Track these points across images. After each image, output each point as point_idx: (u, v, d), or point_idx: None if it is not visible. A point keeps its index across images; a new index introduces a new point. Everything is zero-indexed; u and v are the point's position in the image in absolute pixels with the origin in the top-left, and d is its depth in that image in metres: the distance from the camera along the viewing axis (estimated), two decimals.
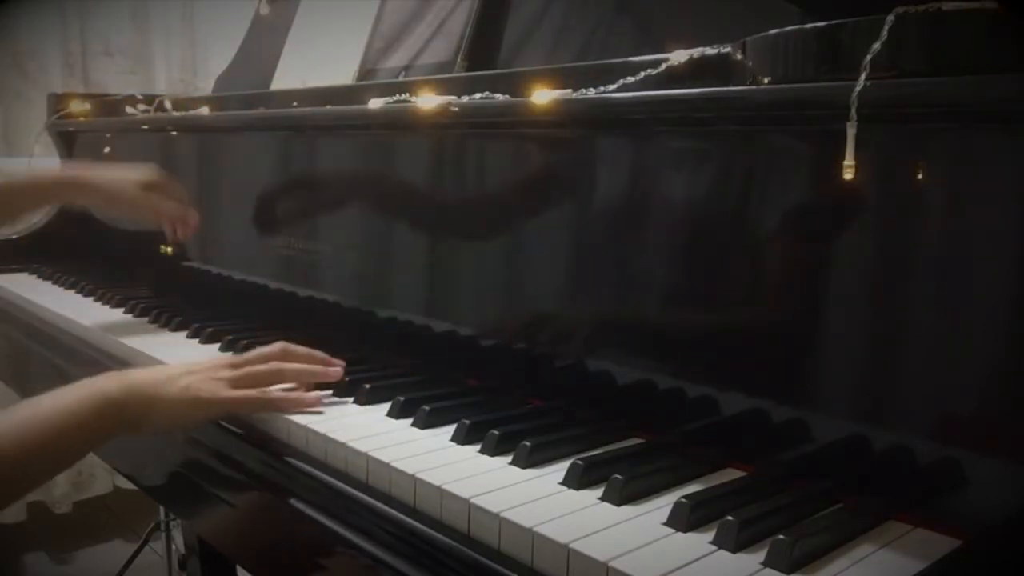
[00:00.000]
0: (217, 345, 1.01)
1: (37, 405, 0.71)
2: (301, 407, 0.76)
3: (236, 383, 0.77)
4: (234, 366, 0.79)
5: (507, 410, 0.77)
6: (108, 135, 1.63)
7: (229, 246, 1.30)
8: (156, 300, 1.23)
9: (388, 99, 0.94)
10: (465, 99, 0.84)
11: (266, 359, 0.80)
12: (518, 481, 0.63)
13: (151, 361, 0.97)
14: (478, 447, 0.69)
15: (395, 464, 0.65)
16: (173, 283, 1.36)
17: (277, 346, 0.82)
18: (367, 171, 1.04)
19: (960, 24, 0.54)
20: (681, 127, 0.71)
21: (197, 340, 1.05)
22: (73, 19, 2.47)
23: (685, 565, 0.51)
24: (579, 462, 0.62)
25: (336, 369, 0.82)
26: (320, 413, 0.76)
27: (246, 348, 0.96)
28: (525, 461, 0.65)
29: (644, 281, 0.74)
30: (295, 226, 1.12)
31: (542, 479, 0.63)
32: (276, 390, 0.79)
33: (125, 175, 1.16)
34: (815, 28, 0.60)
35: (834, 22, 0.59)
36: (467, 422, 0.71)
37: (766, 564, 0.51)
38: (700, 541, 0.54)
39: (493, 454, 0.67)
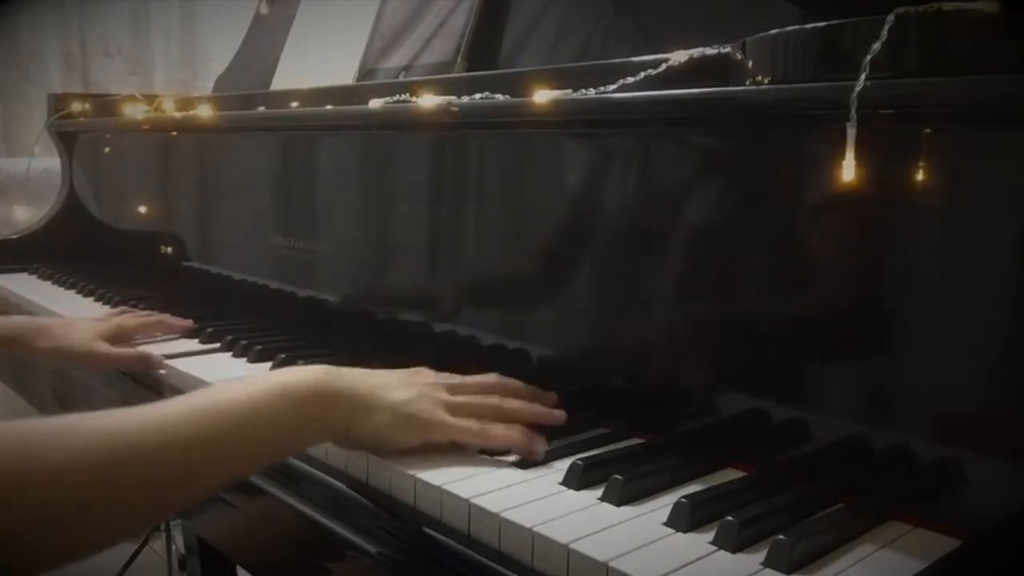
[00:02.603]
0: (217, 345, 1.01)
1: (220, 395, 0.60)
2: (527, 452, 0.66)
3: (454, 410, 0.67)
4: (451, 390, 0.70)
5: None
6: (108, 135, 1.63)
7: (229, 246, 1.30)
8: (156, 300, 1.23)
9: (388, 99, 0.94)
10: (465, 99, 0.84)
11: (484, 389, 0.72)
12: (518, 481, 0.63)
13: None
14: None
15: (396, 464, 0.65)
16: (173, 283, 1.36)
17: (492, 377, 0.74)
18: (367, 171, 1.04)
19: (960, 24, 0.54)
20: (681, 127, 0.71)
21: (197, 340, 1.05)
22: (73, 19, 2.47)
23: (685, 565, 0.51)
24: (579, 462, 0.62)
25: (560, 413, 0.71)
26: None
27: (246, 348, 0.96)
28: (525, 461, 0.65)
29: (642, 280, 0.74)
30: (295, 226, 1.12)
31: (542, 479, 0.63)
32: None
33: (83, 328, 1.03)
34: (815, 28, 0.60)
35: (834, 22, 0.59)
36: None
37: (766, 564, 0.51)
38: (700, 541, 0.54)
39: (494, 454, 0.67)
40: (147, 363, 0.97)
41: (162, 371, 0.96)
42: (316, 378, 0.64)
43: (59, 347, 1.00)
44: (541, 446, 0.65)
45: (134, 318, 1.08)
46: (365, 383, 0.66)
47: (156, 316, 1.09)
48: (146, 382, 0.97)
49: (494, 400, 0.69)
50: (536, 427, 0.68)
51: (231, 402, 0.59)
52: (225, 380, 0.87)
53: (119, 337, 1.02)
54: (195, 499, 0.60)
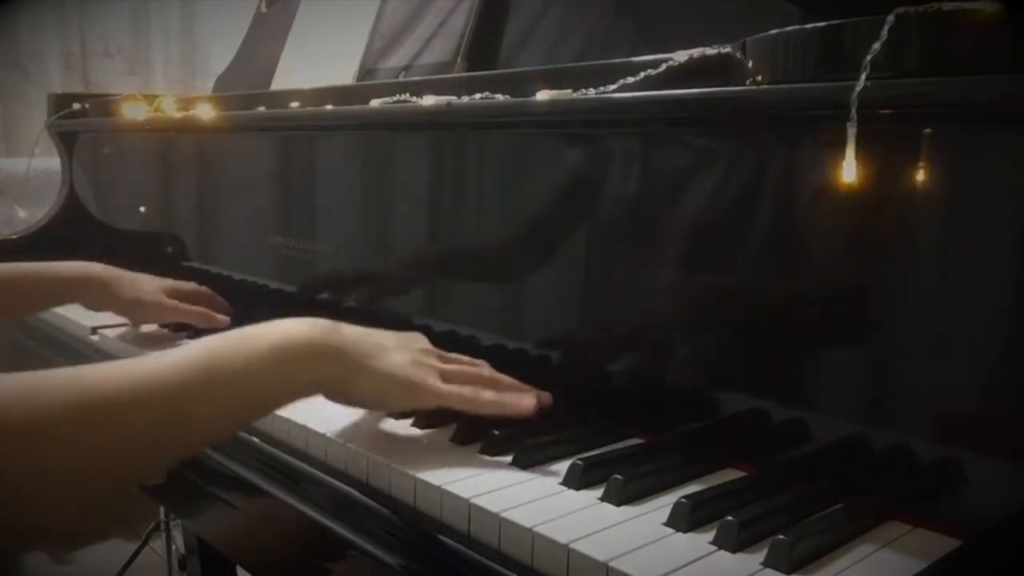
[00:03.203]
0: None
1: (220, 346, 0.61)
2: (517, 412, 0.67)
3: (445, 376, 0.69)
4: (443, 358, 0.72)
5: None
6: (108, 135, 1.63)
7: (229, 246, 1.30)
8: None
9: (388, 99, 0.94)
10: (465, 99, 0.84)
11: (474, 365, 0.74)
12: (518, 481, 0.63)
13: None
14: (478, 447, 0.69)
15: (395, 464, 0.65)
16: None
17: (480, 363, 0.75)
18: (367, 171, 1.04)
19: (960, 24, 0.54)
20: (681, 127, 0.71)
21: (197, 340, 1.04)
22: (73, 19, 2.48)
23: (685, 565, 0.51)
24: (579, 462, 0.62)
25: (531, 402, 0.70)
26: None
27: None
28: (525, 461, 0.65)
29: (641, 280, 0.74)
30: (295, 226, 1.12)
31: (542, 479, 0.63)
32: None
33: (148, 280, 1.08)
34: (815, 28, 0.60)
35: (834, 22, 0.59)
36: (468, 422, 0.71)
37: (766, 564, 0.51)
38: (700, 541, 0.54)
39: (494, 454, 0.67)
40: (211, 320, 1.04)
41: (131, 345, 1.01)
42: (314, 332, 0.65)
43: (132, 298, 1.05)
44: (529, 400, 0.68)
45: (189, 285, 1.12)
46: (362, 342, 0.67)
47: (207, 290, 1.12)
48: None
49: (487, 371, 0.72)
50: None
51: (230, 357, 0.60)
52: None
53: (178, 297, 1.07)
54: (189, 449, 0.61)
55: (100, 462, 0.53)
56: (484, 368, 0.73)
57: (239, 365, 0.59)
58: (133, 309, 1.06)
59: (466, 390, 0.68)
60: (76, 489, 0.52)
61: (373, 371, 0.66)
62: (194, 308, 1.05)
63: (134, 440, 0.54)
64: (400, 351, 0.68)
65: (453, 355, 0.74)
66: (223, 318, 1.05)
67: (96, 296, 1.07)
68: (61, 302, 1.13)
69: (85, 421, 0.51)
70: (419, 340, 0.73)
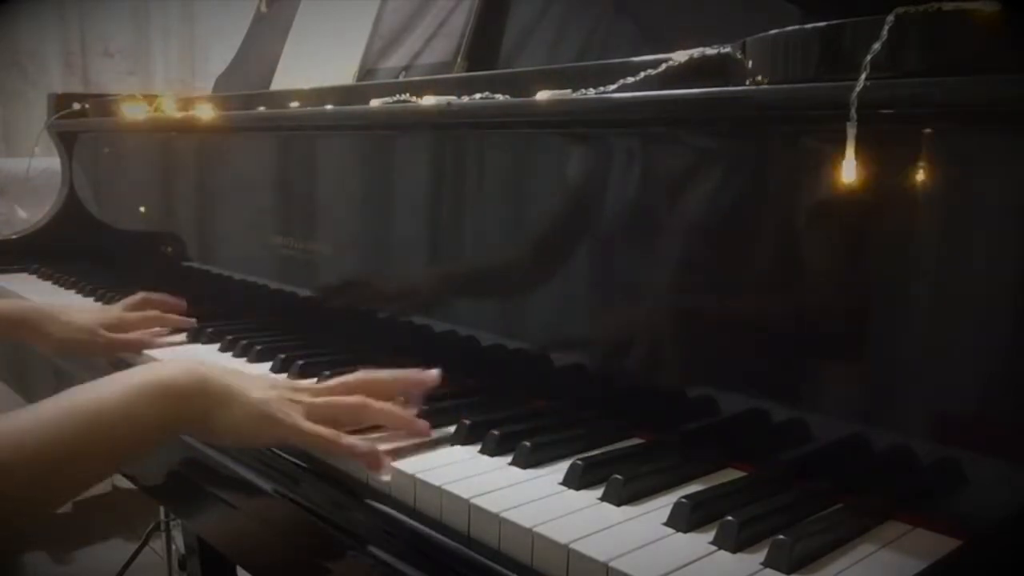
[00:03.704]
0: (217, 345, 1.01)
1: (78, 393, 0.62)
2: (376, 468, 0.65)
3: (313, 412, 0.69)
4: (316, 393, 0.72)
5: (507, 410, 0.77)
6: (108, 135, 1.63)
7: (229, 246, 1.30)
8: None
9: (388, 99, 0.94)
10: (465, 99, 0.84)
11: (349, 390, 0.73)
12: (518, 481, 0.63)
13: (150, 362, 0.97)
14: (478, 447, 0.69)
15: (395, 465, 0.65)
16: (173, 283, 1.36)
17: (359, 376, 0.74)
18: (367, 171, 1.04)
19: (960, 24, 0.54)
20: (681, 127, 0.71)
21: (197, 341, 1.05)
22: (73, 19, 2.48)
23: (685, 565, 0.51)
24: (579, 462, 0.62)
25: (424, 425, 0.71)
26: None
27: (246, 348, 0.96)
28: (525, 461, 0.65)
29: (643, 280, 0.74)
30: (295, 226, 1.12)
31: (542, 479, 0.63)
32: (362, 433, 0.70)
33: (82, 315, 1.04)
34: (815, 28, 0.60)
35: (834, 22, 0.59)
36: (467, 422, 0.71)
37: (766, 564, 0.51)
38: (700, 541, 0.54)
39: (493, 454, 0.67)
40: (147, 347, 1.00)
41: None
42: (178, 372, 0.65)
43: (64, 336, 1.01)
44: (386, 470, 0.65)
45: (134, 313, 1.08)
46: (225, 379, 0.67)
47: (155, 313, 1.09)
48: None
49: (356, 401, 0.71)
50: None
51: (97, 402, 0.61)
52: None
53: (119, 328, 1.03)
54: (61, 499, 0.62)
55: None
56: (357, 388, 0.73)
57: (103, 405, 0.61)
58: (65, 349, 1.03)
59: (327, 433, 0.67)
60: None
61: (237, 406, 0.66)
62: (128, 338, 1.01)
63: (12, 496, 0.56)
64: (265, 389, 0.69)
65: (324, 385, 0.74)
66: (159, 341, 1.02)
67: (29, 336, 1.03)
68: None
69: None
70: (291, 381, 0.74)
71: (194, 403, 0.65)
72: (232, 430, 0.67)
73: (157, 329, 1.05)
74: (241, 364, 0.95)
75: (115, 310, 1.08)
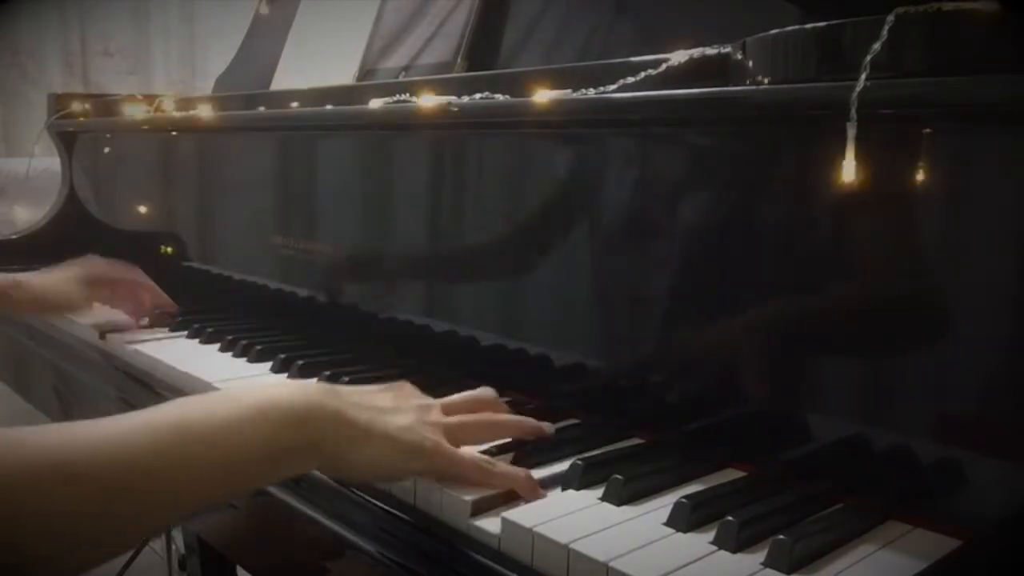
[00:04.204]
0: (217, 345, 1.01)
1: (193, 409, 0.53)
2: (534, 496, 0.60)
3: (449, 433, 0.62)
4: (445, 409, 0.65)
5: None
6: (108, 135, 1.63)
7: (229, 246, 1.30)
8: None
9: (388, 99, 0.94)
10: (465, 99, 0.84)
11: (474, 405, 0.67)
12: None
13: (151, 361, 0.97)
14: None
15: None
16: (172, 283, 1.36)
17: (487, 393, 0.69)
18: (367, 171, 1.04)
19: (960, 24, 0.54)
20: (681, 127, 0.71)
21: (197, 340, 1.05)
22: (73, 19, 2.48)
23: (685, 565, 0.51)
24: (579, 462, 0.62)
25: (549, 426, 0.67)
26: None
27: (246, 347, 0.96)
28: (526, 462, 0.65)
29: (644, 280, 0.74)
30: (295, 226, 1.12)
31: (542, 479, 0.63)
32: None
33: (61, 275, 1.04)
34: (815, 28, 0.60)
35: (834, 22, 0.59)
36: None
37: (766, 564, 0.51)
38: (700, 541, 0.54)
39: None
40: (119, 326, 1.01)
41: (133, 345, 1.00)
42: (304, 397, 0.56)
43: (37, 297, 1.01)
44: (540, 494, 0.60)
45: (114, 271, 1.10)
46: (358, 407, 0.59)
47: (133, 278, 1.10)
48: (144, 380, 0.97)
49: (487, 417, 0.66)
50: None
51: (204, 420, 0.52)
52: (224, 380, 0.87)
53: (97, 282, 1.05)
54: (161, 525, 0.53)
55: (67, 528, 0.47)
56: (482, 403, 0.68)
57: (214, 427, 0.52)
58: (43, 307, 1.03)
59: (481, 460, 0.61)
60: (45, 550, 0.46)
61: (377, 438, 0.58)
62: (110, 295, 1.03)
63: (97, 507, 0.48)
64: (399, 412, 0.61)
65: (450, 401, 0.67)
66: (128, 321, 1.05)
67: (3, 298, 1.03)
68: None
69: (43, 488, 0.45)
70: (412, 394, 0.66)
71: (322, 433, 0.56)
72: (371, 466, 0.59)
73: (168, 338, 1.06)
74: (241, 364, 0.95)
75: (94, 270, 1.09)
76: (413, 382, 0.68)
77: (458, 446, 0.62)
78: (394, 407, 0.61)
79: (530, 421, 0.67)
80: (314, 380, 0.61)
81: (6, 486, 0.45)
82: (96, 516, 0.48)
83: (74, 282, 1.01)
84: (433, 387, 0.70)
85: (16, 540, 0.45)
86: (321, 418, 0.56)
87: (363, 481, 0.63)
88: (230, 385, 0.85)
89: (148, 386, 0.97)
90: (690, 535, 0.54)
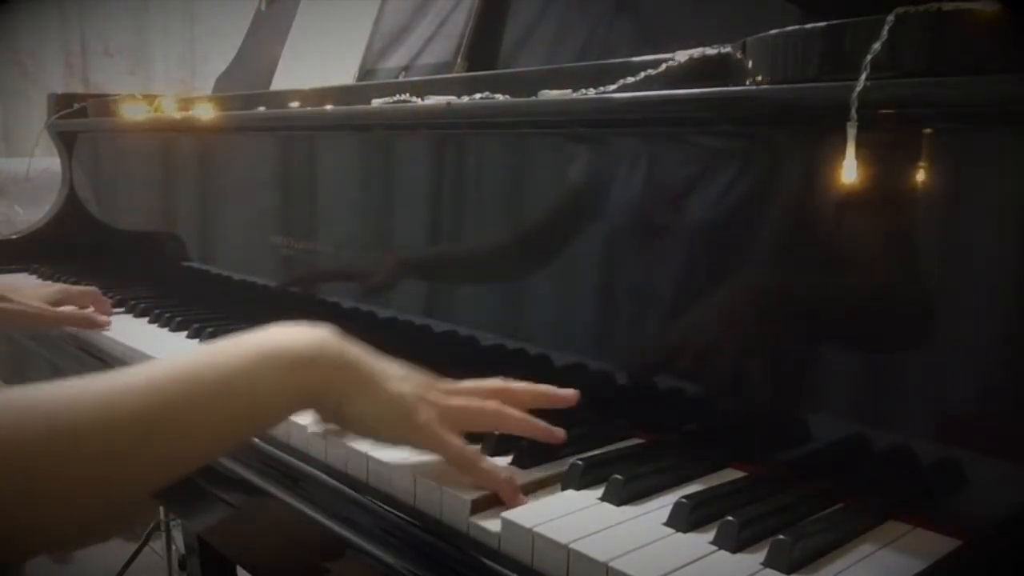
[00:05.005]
0: None
1: (192, 355, 0.54)
2: (513, 500, 0.58)
3: (446, 415, 0.62)
4: (449, 392, 0.64)
5: None
6: (108, 135, 1.63)
7: (229, 246, 1.30)
8: (156, 300, 1.23)
9: (388, 99, 0.94)
10: (465, 99, 0.84)
11: (484, 395, 0.65)
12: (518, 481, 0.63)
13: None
14: (478, 447, 0.68)
15: (395, 464, 0.65)
16: (173, 283, 1.36)
17: (494, 382, 0.67)
18: (367, 171, 1.04)
19: (960, 24, 0.54)
20: (681, 127, 0.71)
21: (197, 340, 1.05)
22: (73, 19, 2.48)
23: (685, 565, 0.51)
24: (579, 462, 0.62)
25: (561, 433, 0.65)
26: None
27: None
28: (525, 461, 0.65)
29: (641, 279, 0.74)
30: (295, 226, 1.12)
31: (542, 479, 0.63)
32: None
33: (27, 291, 1.08)
34: (815, 28, 0.60)
35: (834, 22, 0.59)
36: None
37: (766, 564, 0.51)
38: (700, 541, 0.54)
39: (492, 454, 0.67)
40: (90, 322, 1.04)
41: (106, 331, 1.04)
42: (310, 339, 0.58)
43: (11, 309, 1.02)
44: (521, 500, 0.59)
45: (76, 288, 1.14)
46: (364, 361, 0.60)
47: (93, 289, 1.16)
48: None
49: (494, 406, 0.65)
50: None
51: (212, 368, 0.53)
52: None
53: (62, 302, 1.08)
54: (171, 477, 0.54)
55: (78, 487, 0.48)
56: (495, 394, 0.66)
57: (223, 373, 0.53)
58: (13, 324, 1.04)
59: (466, 452, 0.61)
60: (59, 511, 0.47)
61: (373, 395, 0.60)
62: (74, 314, 1.05)
63: (106, 465, 0.49)
64: (404, 381, 0.62)
65: (460, 386, 0.66)
66: (103, 319, 1.07)
67: None
68: None
69: (53, 448, 0.46)
70: (423, 375, 0.66)
71: (327, 379, 0.58)
72: (363, 420, 0.61)
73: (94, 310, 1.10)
74: None
75: (58, 287, 1.13)
76: None
77: (457, 431, 0.62)
78: (398, 375, 0.62)
79: (539, 423, 0.65)
80: (328, 330, 0.61)
81: (16, 452, 0.45)
82: (105, 475, 0.49)
83: (39, 299, 1.06)
84: None
85: (29, 504, 0.46)
86: (327, 360, 0.57)
87: (361, 434, 0.64)
88: None
89: None
90: (690, 535, 0.54)
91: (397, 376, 0.62)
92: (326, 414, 0.62)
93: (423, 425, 0.60)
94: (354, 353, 0.60)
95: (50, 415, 0.47)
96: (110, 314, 1.13)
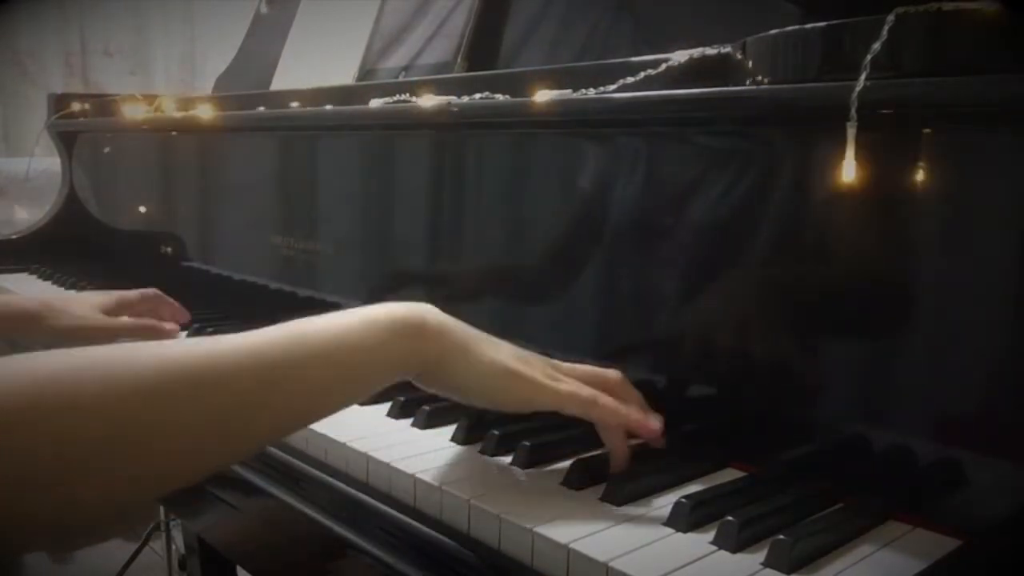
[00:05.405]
0: None
1: (306, 323, 0.58)
2: (641, 428, 0.61)
3: (560, 374, 0.64)
4: (561, 371, 0.65)
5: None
6: (108, 135, 1.63)
7: (229, 246, 1.30)
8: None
9: (388, 99, 0.94)
10: (465, 99, 0.84)
11: (596, 380, 0.65)
12: (519, 482, 0.63)
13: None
14: (479, 447, 0.69)
15: (395, 464, 0.65)
16: (173, 283, 1.36)
17: (615, 374, 0.67)
18: (367, 171, 1.04)
19: (960, 24, 0.54)
20: (681, 127, 0.71)
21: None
22: (73, 19, 2.48)
23: (685, 565, 0.51)
24: (579, 462, 0.62)
25: (659, 427, 0.65)
26: None
27: None
28: (526, 461, 0.65)
29: (641, 279, 0.74)
30: (295, 226, 1.12)
31: (542, 480, 0.63)
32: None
33: (83, 302, 1.03)
34: (815, 28, 0.60)
35: (834, 22, 0.59)
36: (467, 422, 0.71)
37: (766, 564, 0.51)
38: (700, 541, 0.54)
39: (493, 454, 0.67)
40: (156, 332, 0.98)
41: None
42: (414, 311, 0.61)
43: (65, 324, 0.99)
44: (655, 423, 0.61)
45: (132, 292, 1.07)
46: (465, 329, 0.63)
47: (154, 291, 1.08)
48: None
49: (610, 374, 0.66)
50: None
51: (321, 332, 0.57)
52: None
53: (120, 310, 1.02)
54: (280, 433, 0.58)
55: (187, 439, 0.50)
56: (610, 373, 0.66)
57: (330, 338, 0.56)
58: (67, 337, 1.00)
59: (585, 390, 0.62)
60: (160, 465, 0.49)
61: (477, 357, 0.61)
62: (139, 322, 1.00)
63: (219, 419, 0.51)
64: (507, 347, 0.63)
65: (577, 368, 0.66)
66: (171, 327, 1.02)
67: (29, 329, 1.01)
68: None
69: (167, 397, 0.48)
70: (535, 355, 0.66)
71: (429, 344, 0.60)
72: (472, 383, 0.62)
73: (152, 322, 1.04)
74: None
75: (114, 294, 1.06)
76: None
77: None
78: (501, 343, 0.64)
79: (637, 410, 0.65)
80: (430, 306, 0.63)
81: (139, 398, 0.47)
82: (222, 427, 0.51)
83: (98, 311, 1.00)
84: None
85: (154, 445, 0.48)
86: (430, 328, 0.60)
87: (463, 396, 0.64)
88: None
89: None
90: (690, 535, 0.54)
91: (500, 343, 0.63)
92: (429, 381, 0.63)
93: (535, 381, 0.62)
94: (455, 324, 0.62)
95: (173, 364, 0.49)
96: (178, 317, 1.07)
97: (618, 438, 0.63)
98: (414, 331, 0.60)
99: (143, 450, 0.48)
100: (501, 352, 0.63)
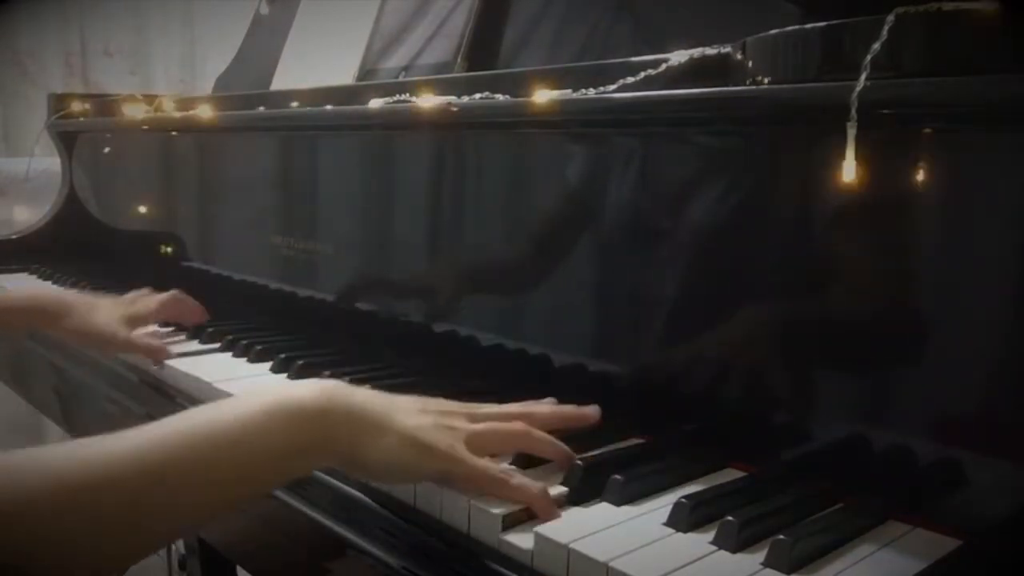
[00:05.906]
0: (217, 345, 1.01)
1: (193, 414, 0.54)
2: (546, 513, 0.57)
3: (472, 441, 0.61)
4: (472, 417, 0.63)
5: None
6: (108, 135, 1.63)
7: (229, 246, 1.30)
8: None
9: (388, 99, 0.94)
10: (465, 99, 0.84)
11: (507, 419, 0.64)
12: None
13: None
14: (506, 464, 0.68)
15: None
16: (173, 283, 1.36)
17: (517, 406, 0.67)
18: (367, 171, 1.04)
19: (960, 24, 0.54)
20: (681, 127, 0.71)
21: (197, 341, 1.05)
22: (73, 19, 2.48)
23: (685, 565, 0.51)
24: (579, 462, 0.62)
25: (593, 412, 0.67)
26: None
27: (246, 348, 0.96)
28: (525, 462, 0.65)
29: (643, 279, 0.74)
30: (295, 226, 1.12)
31: (542, 480, 0.63)
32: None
33: (106, 309, 1.02)
34: (815, 28, 0.60)
35: (834, 22, 0.59)
36: None
37: (766, 564, 0.51)
38: (700, 541, 0.54)
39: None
40: (155, 355, 0.98)
41: (160, 367, 0.96)
42: (317, 394, 0.56)
43: (83, 328, 1.00)
44: (555, 513, 0.57)
45: (154, 300, 1.06)
46: (374, 403, 0.58)
47: (172, 294, 1.08)
48: (148, 381, 0.98)
49: (520, 427, 0.64)
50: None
51: (211, 423, 0.53)
52: (224, 380, 0.87)
53: (139, 322, 1.03)
54: (184, 528, 0.55)
55: (78, 548, 0.48)
56: (517, 417, 0.65)
57: (220, 432, 0.53)
58: (84, 340, 1.02)
59: (496, 470, 0.59)
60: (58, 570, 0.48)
61: (389, 434, 0.57)
62: (143, 344, 0.99)
63: (107, 528, 0.49)
64: (419, 414, 0.60)
65: (483, 411, 0.65)
66: (166, 353, 0.98)
67: (48, 324, 1.02)
68: (9, 329, 1.09)
69: (56, 509, 0.46)
70: (441, 402, 0.64)
71: (336, 429, 0.56)
72: (384, 462, 0.57)
73: (170, 340, 1.04)
74: (241, 364, 0.95)
75: (139, 303, 1.05)
76: (411, 382, 0.68)
77: (482, 455, 0.61)
78: (414, 409, 0.60)
79: (564, 448, 0.64)
80: (331, 379, 0.61)
81: (29, 513, 0.46)
82: (117, 530, 0.49)
83: (121, 323, 1.00)
84: (433, 387, 0.69)
85: (42, 562, 0.46)
86: (335, 413, 0.56)
87: (378, 479, 0.62)
88: (229, 385, 0.85)
89: (149, 385, 0.97)
90: (690, 535, 0.54)
91: (413, 410, 0.60)
92: (345, 465, 0.60)
93: (448, 455, 0.59)
94: (362, 398, 0.58)
95: (62, 476, 0.48)
96: (197, 318, 1.08)
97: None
98: (316, 416, 0.55)
99: (50, 558, 0.47)
100: (413, 420, 0.59)
